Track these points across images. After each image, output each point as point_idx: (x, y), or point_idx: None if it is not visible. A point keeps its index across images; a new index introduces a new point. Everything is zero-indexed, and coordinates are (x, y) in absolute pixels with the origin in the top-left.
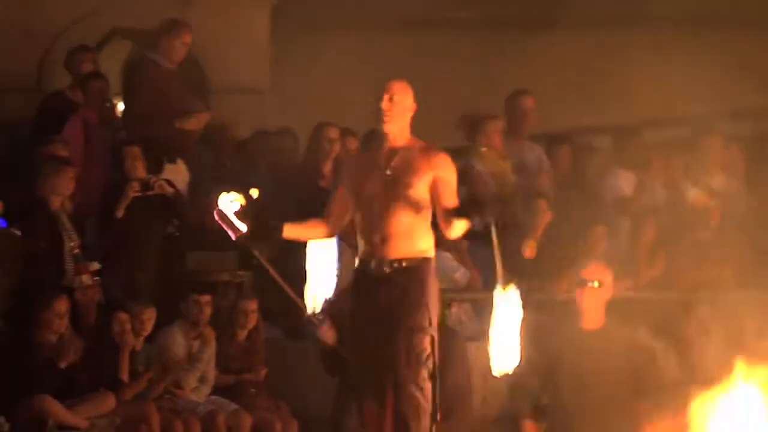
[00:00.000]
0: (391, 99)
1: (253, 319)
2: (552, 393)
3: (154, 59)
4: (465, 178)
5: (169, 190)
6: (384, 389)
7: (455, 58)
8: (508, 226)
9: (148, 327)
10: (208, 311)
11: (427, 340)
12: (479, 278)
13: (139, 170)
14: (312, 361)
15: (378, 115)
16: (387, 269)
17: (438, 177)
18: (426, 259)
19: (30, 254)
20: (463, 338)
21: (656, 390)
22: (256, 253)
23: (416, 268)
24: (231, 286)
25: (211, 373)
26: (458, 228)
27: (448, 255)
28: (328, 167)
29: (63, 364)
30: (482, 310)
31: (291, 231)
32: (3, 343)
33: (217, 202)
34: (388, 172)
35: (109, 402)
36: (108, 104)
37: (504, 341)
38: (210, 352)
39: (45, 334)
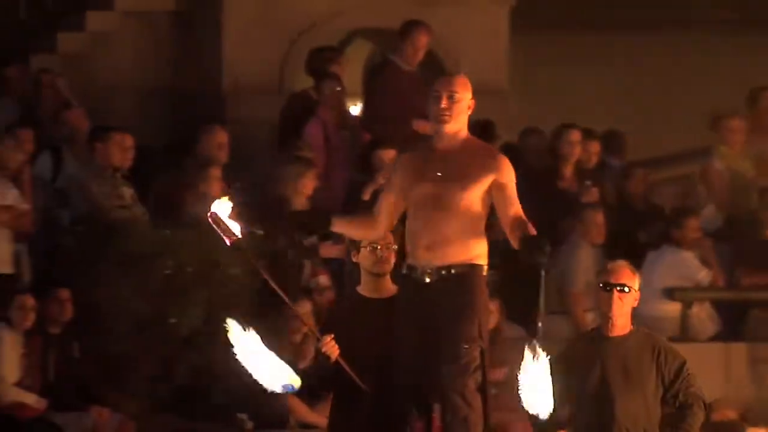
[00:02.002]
0: (450, 97)
1: (493, 319)
2: (576, 403)
3: (394, 62)
4: (704, 176)
5: None
6: (431, 403)
7: (699, 57)
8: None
9: None
10: None
11: (476, 351)
12: (722, 277)
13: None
14: None
15: (435, 115)
16: (434, 276)
17: (496, 182)
18: (476, 266)
19: (272, 255)
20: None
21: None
22: (250, 258)
23: (465, 275)
24: None
25: None
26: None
27: (690, 255)
28: (569, 170)
29: (302, 365)
30: (724, 309)
31: (341, 225)
32: None
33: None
34: (439, 175)
35: None
36: (344, 105)
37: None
38: None
39: (287, 336)
